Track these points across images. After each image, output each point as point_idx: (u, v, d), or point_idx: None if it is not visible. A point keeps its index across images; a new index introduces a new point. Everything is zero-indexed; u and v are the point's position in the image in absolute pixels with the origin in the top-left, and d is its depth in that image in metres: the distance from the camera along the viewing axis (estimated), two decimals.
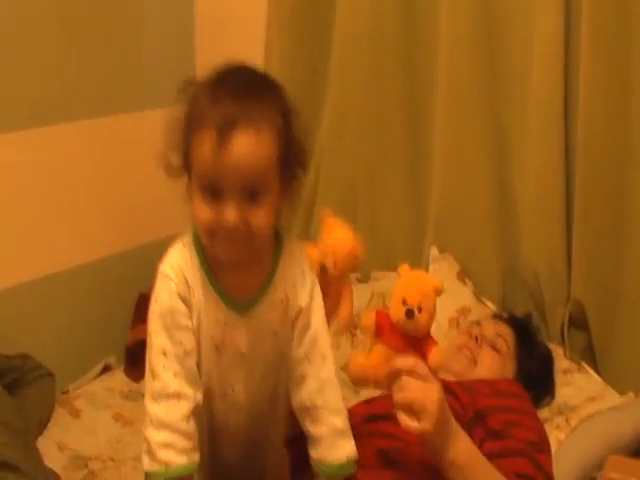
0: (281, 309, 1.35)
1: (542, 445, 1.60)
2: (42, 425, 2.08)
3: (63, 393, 2.24)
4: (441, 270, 2.27)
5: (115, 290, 2.49)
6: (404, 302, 1.40)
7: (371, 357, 1.45)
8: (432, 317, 1.43)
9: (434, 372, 1.42)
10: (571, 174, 2.12)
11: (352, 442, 1.38)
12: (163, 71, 2.52)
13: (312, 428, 1.37)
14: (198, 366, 1.33)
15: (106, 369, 2.42)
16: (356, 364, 1.48)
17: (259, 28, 2.49)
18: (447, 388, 1.66)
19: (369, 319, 1.47)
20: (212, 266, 1.31)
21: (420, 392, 1.38)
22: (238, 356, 1.36)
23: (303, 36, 2.45)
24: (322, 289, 1.41)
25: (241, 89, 1.24)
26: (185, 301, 1.30)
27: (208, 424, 1.40)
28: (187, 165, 1.26)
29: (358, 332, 2.27)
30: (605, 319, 2.12)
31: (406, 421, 1.38)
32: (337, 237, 1.50)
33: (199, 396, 1.31)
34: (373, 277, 2.36)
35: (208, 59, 2.68)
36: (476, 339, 1.93)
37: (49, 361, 2.19)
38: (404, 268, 1.47)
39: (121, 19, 2.44)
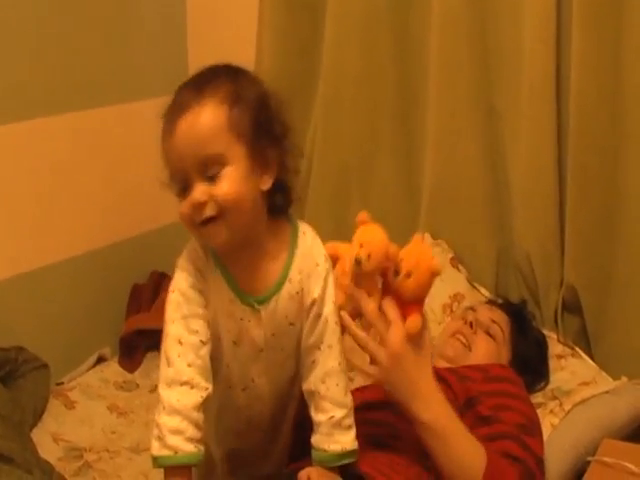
0: (297, 301, 1.37)
1: (532, 428, 1.59)
2: (37, 417, 2.08)
3: (57, 384, 2.24)
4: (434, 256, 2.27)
5: (109, 281, 2.48)
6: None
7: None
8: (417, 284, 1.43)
9: (409, 337, 1.42)
10: (563, 157, 2.12)
11: (352, 435, 1.39)
12: (156, 62, 2.51)
13: (314, 414, 1.39)
14: (218, 360, 1.36)
15: (100, 360, 2.41)
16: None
17: (251, 16, 2.47)
18: (439, 375, 1.66)
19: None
20: (226, 263, 1.34)
21: (374, 339, 1.42)
22: (256, 350, 1.38)
23: (295, 22, 2.44)
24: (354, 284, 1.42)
25: (196, 80, 1.30)
26: (202, 293, 1.33)
27: (234, 418, 1.44)
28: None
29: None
30: (598, 303, 2.12)
31: (358, 362, 1.43)
32: (373, 234, 1.49)
33: (210, 388, 1.33)
34: None
35: (200, 47, 2.67)
36: (471, 325, 1.91)
37: (43, 353, 2.19)
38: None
39: (113, 11, 2.42)
